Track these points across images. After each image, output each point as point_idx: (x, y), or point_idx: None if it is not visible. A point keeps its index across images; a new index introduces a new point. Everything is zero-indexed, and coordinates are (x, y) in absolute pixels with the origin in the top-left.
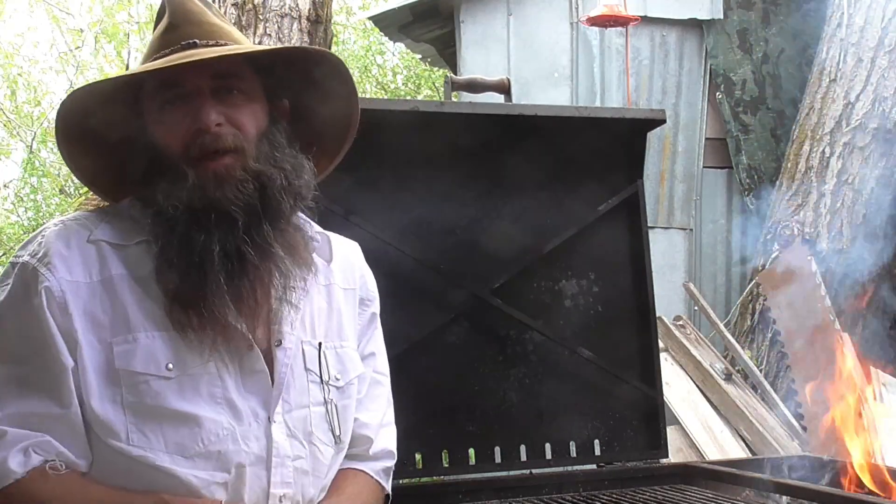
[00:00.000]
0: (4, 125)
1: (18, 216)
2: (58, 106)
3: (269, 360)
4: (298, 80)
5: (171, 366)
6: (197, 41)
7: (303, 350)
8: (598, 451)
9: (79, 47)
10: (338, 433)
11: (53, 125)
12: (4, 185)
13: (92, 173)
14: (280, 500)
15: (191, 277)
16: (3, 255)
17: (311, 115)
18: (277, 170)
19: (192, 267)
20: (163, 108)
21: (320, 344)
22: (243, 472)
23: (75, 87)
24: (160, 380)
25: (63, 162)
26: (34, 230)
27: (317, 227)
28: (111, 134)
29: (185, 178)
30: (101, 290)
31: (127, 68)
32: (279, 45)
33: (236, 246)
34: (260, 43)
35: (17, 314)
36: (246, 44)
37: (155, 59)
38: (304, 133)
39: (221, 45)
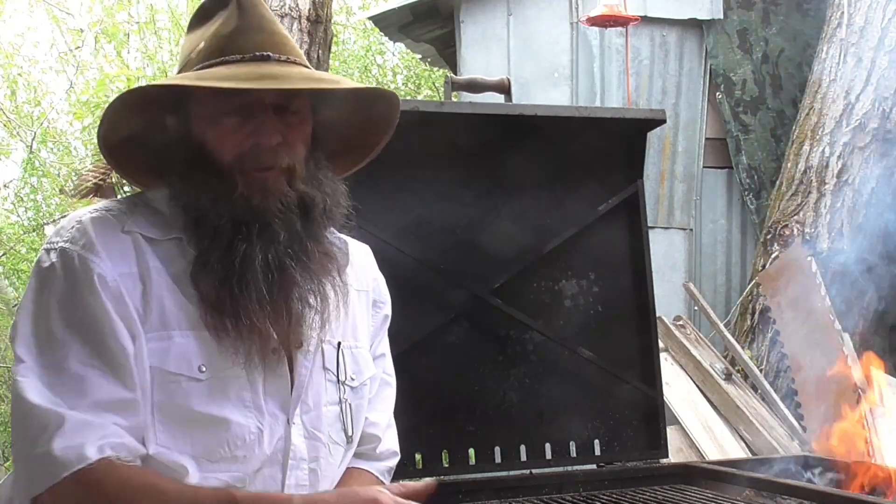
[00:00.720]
0: (4, 125)
1: (18, 216)
2: (112, 99)
3: (289, 362)
4: (348, 107)
5: (203, 368)
6: (271, 55)
7: (322, 349)
8: (598, 451)
9: (79, 47)
10: (350, 433)
11: (107, 105)
12: (4, 185)
13: (123, 158)
14: None
15: (230, 285)
16: (3, 255)
17: (346, 130)
18: (321, 194)
19: (233, 275)
20: (220, 114)
21: (339, 343)
22: (257, 474)
23: (139, 85)
24: (191, 381)
25: (63, 162)
26: (34, 230)
27: (336, 233)
28: (151, 122)
29: (234, 187)
30: (139, 281)
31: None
32: (360, 85)
33: (279, 259)
34: None
35: (72, 302)
36: (306, 63)
37: (225, 63)
38: (332, 142)
39: (291, 61)
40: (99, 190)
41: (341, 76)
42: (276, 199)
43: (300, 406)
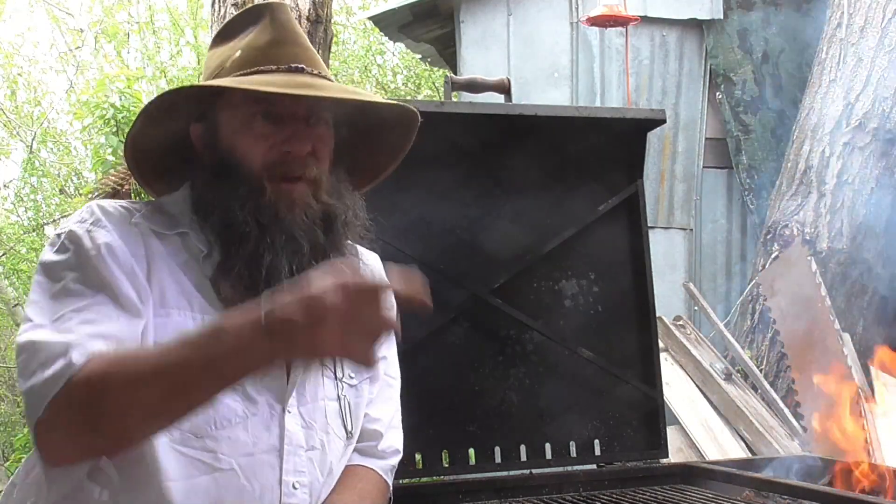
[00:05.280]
0: (4, 125)
1: (18, 216)
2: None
3: None
4: (366, 126)
5: None
6: (305, 67)
7: None
8: (598, 451)
9: (79, 47)
10: (350, 428)
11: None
12: (4, 185)
13: (144, 164)
14: (294, 487)
15: (256, 293)
16: (3, 254)
17: (362, 149)
18: (343, 205)
19: (259, 283)
20: (252, 120)
21: None
22: (252, 459)
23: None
24: None
25: (63, 162)
26: (34, 230)
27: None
28: (175, 130)
29: (262, 193)
30: (144, 263)
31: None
32: (391, 100)
33: (304, 269)
34: None
35: (84, 267)
36: (333, 79)
37: (259, 72)
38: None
39: (323, 76)
40: (116, 195)
41: (374, 94)
42: (302, 212)
43: (298, 398)
